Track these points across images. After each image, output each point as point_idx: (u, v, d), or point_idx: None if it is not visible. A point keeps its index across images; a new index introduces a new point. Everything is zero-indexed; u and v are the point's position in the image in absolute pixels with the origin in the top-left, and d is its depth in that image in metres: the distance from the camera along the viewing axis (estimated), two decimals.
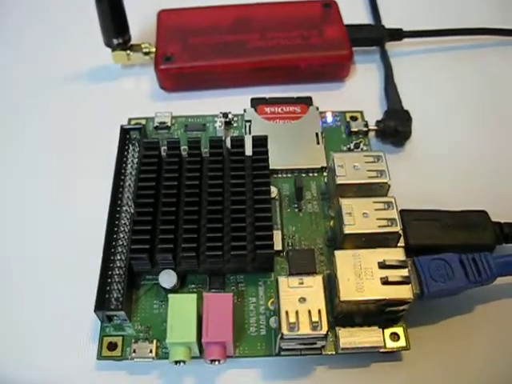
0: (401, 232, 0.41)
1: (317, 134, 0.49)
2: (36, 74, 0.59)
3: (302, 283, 0.38)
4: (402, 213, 0.42)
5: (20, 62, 0.60)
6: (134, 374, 0.41)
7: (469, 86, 0.57)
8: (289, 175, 0.48)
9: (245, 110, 0.51)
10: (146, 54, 0.56)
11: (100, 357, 0.40)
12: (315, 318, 0.36)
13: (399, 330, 0.40)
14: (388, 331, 0.40)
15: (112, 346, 0.40)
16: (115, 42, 0.55)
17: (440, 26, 0.59)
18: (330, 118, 0.51)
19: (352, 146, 0.49)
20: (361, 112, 0.52)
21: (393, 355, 0.41)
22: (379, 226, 0.40)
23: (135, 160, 0.47)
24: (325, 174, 0.47)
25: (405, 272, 0.38)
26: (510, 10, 0.63)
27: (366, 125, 0.50)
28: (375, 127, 0.51)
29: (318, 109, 0.51)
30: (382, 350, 0.39)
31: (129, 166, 0.47)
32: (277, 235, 0.43)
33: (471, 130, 0.53)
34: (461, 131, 0.53)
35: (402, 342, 0.39)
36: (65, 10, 0.64)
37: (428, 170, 0.50)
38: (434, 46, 0.60)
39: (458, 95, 0.56)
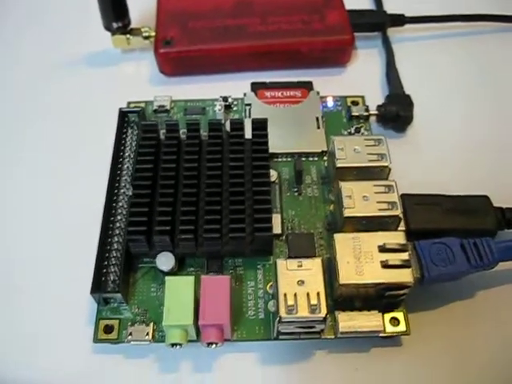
0: (401, 216, 0.40)
1: (317, 119, 0.49)
2: (35, 57, 0.59)
3: (300, 266, 0.38)
4: (403, 197, 0.42)
5: (19, 47, 0.60)
6: (131, 357, 0.40)
7: (470, 71, 0.57)
8: (289, 159, 0.47)
9: (245, 94, 0.51)
10: (146, 38, 0.56)
11: (96, 340, 0.39)
12: (314, 301, 0.36)
13: (399, 315, 0.39)
14: (388, 316, 0.39)
15: (108, 329, 0.39)
16: (115, 25, 0.54)
17: (442, 12, 0.58)
18: (330, 103, 0.51)
19: (353, 130, 0.49)
20: (362, 97, 0.52)
21: (393, 340, 0.40)
22: (379, 210, 0.40)
23: (134, 143, 0.47)
24: (325, 158, 0.47)
25: (405, 256, 0.38)
26: None
27: (367, 109, 0.50)
28: (376, 112, 0.50)
29: (318, 93, 0.51)
30: (381, 335, 0.39)
31: (127, 148, 0.47)
32: (276, 219, 0.43)
33: (473, 115, 0.53)
34: (462, 117, 0.53)
35: (401, 327, 0.39)
36: None
37: (429, 156, 0.50)
38: (435, 32, 0.60)
39: (459, 81, 0.56)
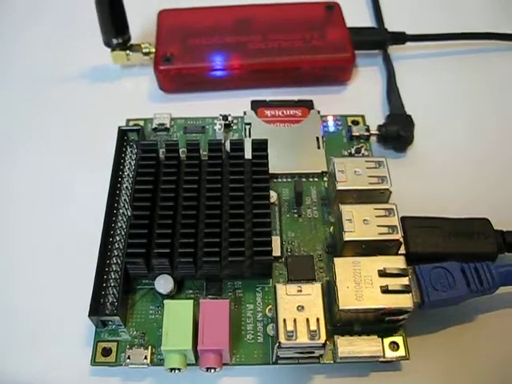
0: (401, 239, 0.40)
1: (317, 138, 0.49)
2: (35, 73, 0.58)
3: (300, 291, 0.37)
4: (403, 219, 0.42)
5: (19, 61, 0.60)
6: (129, 380, 0.40)
7: (472, 90, 0.56)
8: (289, 180, 0.47)
9: (245, 113, 0.50)
10: (146, 54, 0.56)
11: (94, 363, 0.39)
12: (313, 327, 0.36)
13: (399, 339, 0.39)
14: (387, 340, 0.39)
15: (106, 352, 0.39)
16: (115, 41, 0.54)
17: (443, 30, 0.58)
18: (331, 122, 0.51)
19: (353, 150, 0.49)
20: (362, 116, 0.51)
21: (392, 365, 0.40)
22: (380, 234, 0.40)
23: (133, 162, 0.47)
24: (325, 178, 0.47)
25: (405, 280, 0.38)
26: None
27: (368, 129, 0.50)
28: (377, 132, 0.50)
29: (319, 112, 0.51)
30: (381, 360, 0.38)
31: (126, 168, 0.47)
32: (276, 241, 0.43)
33: (474, 135, 0.53)
34: (464, 137, 0.53)
35: (401, 352, 0.39)
36: (64, 9, 0.64)
37: (430, 176, 0.50)
38: (437, 50, 0.59)
39: (461, 100, 0.56)
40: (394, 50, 0.58)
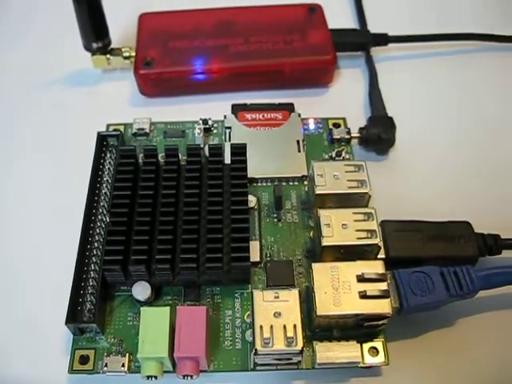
0: (380, 244, 0.40)
1: (298, 142, 0.49)
2: (15, 78, 0.58)
3: (277, 297, 0.37)
4: (383, 223, 0.42)
5: None
6: None
7: (454, 91, 0.56)
8: (269, 184, 0.47)
9: (225, 117, 0.50)
10: (127, 58, 0.55)
11: (71, 371, 0.39)
12: (290, 334, 0.36)
13: (378, 345, 0.39)
14: (367, 346, 0.39)
15: (84, 360, 0.39)
16: (95, 45, 0.54)
17: (426, 31, 0.58)
18: (312, 125, 0.51)
19: (334, 153, 0.49)
20: (343, 119, 0.51)
21: (372, 370, 0.40)
22: (358, 238, 0.40)
23: (112, 168, 0.47)
24: (305, 182, 0.47)
25: (384, 286, 0.38)
26: (496, 14, 0.63)
27: (349, 132, 0.50)
28: (358, 134, 0.50)
29: (299, 115, 0.51)
30: (360, 365, 0.38)
31: (105, 173, 0.46)
32: (255, 246, 0.43)
33: (456, 138, 0.53)
34: (446, 139, 0.53)
35: (380, 358, 0.39)
36: (44, 12, 0.64)
37: (412, 179, 0.50)
38: (419, 52, 0.60)
39: (443, 101, 0.56)
40: (376, 52, 0.58)
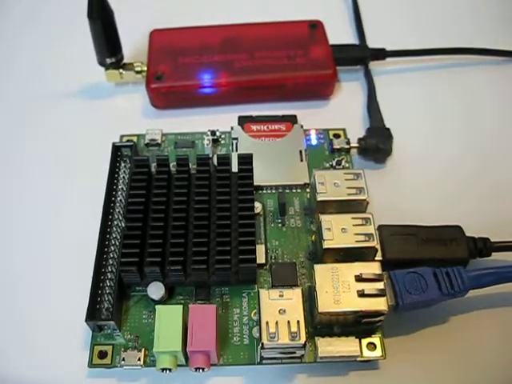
0: (377, 247, 0.42)
1: (300, 152, 0.51)
2: (30, 92, 0.60)
3: (282, 295, 0.40)
4: (380, 228, 0.44)
5: (13, 80, 0.62)
6: (124, 380, 0.42)
7: (450, 104, 0.58)
8: (273, 191, 0.49)
9: (232, 128, 0.53)
10: (138, 72, 0.58)
11: (91, 365, 0.41)
12: (294, 329, 0.38)
13: (376, 340, 0.41)
14: (365, 341, 0.41)
15: (102, 355, 0.41)
16: (108, 61, 0.56)
17: (422, 46, 0.60)
18: (313, 136, 0.53)
19: (334, 163, 0.51)
20: (343, 129, 0.54)
21: (370, 364, 0.42)
22: (356, 241, 0.42)
23: (126, 176, 0.49)
24: (308, 190, 0.49)
25: (380, 285, 0.40)
26: (493, 29, 0.65)
27: (348, 142, 0.52)
28: (357, 144, 0.52)
29: (302, 127, 0.53)
30: (359, 359, 0.40)
31: (120, 181, 0.49)
32: (260, 249, 0.45)
33: (451, 148, 0.55)
34: (441, 150, 0.54)
35: (378, 352, 0.41)
36: (58, 29, 0.66)
37: (408, 186, 0.52)
38: (416, 65, 0.62)
39: (438, 113, 0.58)
40: (374, 66, 0.60)
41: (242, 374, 0.42)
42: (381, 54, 0.60)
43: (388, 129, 0.54)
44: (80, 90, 0.60)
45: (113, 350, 0.42)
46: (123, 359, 0.41)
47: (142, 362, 0.41)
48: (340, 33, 0.63)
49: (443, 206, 0.50)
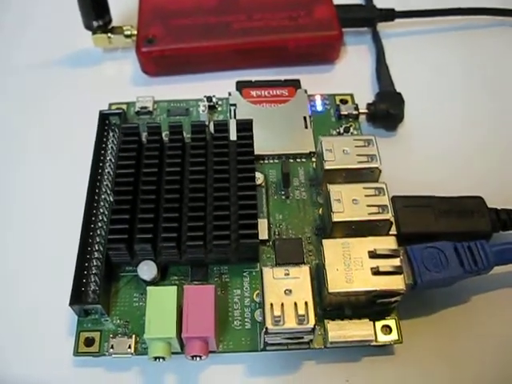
0: (392, 219, 0.39)
1: (305, 118, 0.48)
2: (15, 58, 0.58)
3: (287, 274, 0.36)
4: (394, 199, 0.41)
5: None
6: (113, 370, 0.39)
7: (464, 67, 0.56)
8: (276, 161, 0.46)
9: (229, 94, 0.49)
10: (128, 36, 0.55)
11: (76, 353, 0.38)
12: (301, 311, 0.35)
13: (391, 323, 0.38)
14: (379, 324, 0.38)
15: (89, 342, 0.38)
16: (95, 24, 0.53)
17: (433, 6, 0.57)
18: (318, 101, 0.50)
19: (342, 130, 0.48)
20: (351, 95, 0.51)
21: (385, 349, 0.40)
22: (369, 214, 0.39)
23: (115, 147, 0.46)
24: (313, 159, 0.46)
25: (396, 262, 0.37)
26: None
27: (357, 108, 0.49)
28: (366, 110, 0.49)
29: (306, 92, 0.50)
30: (373, 344, 0.37)
31: (108, 152, 0.46)
32: (262, 224, 0.42)
33: (466, 113, 0.52)
34: (456, 114, 0.52)
35: (394, 335, 0.38)
36: None
37: (421, 155, 0.49)
38: (427, 27, 0.59)
39: (451, 77, 0.55)
40: (383, 28, 0.58)
41: (244, 362, 0.39)
42: (389, 14, 0.57)
43: (399, 93, 0.51)
44: (66, 57, 0.57)
45: (100, 336, 0.39)
46: (112, 347, 0.38)
47: (132, 350, 0.38)
48: None
49: (460, 175, 0.47)
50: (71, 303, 0.38)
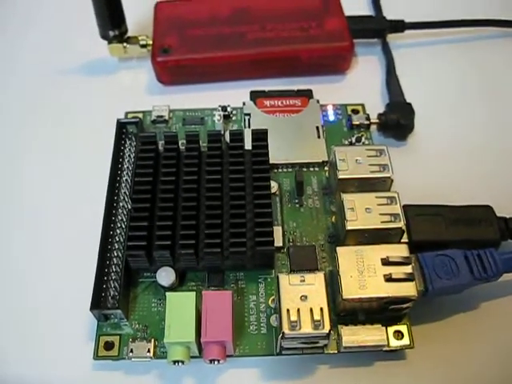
0: (404, 228, 0.40)
1: (317, 128, 0.49)
2: (32, 68, 0.58)
3: (303, 280, 0.37)
4: (405, 208, 0.42)
5: (15, 56, 0.59)
6: (132, 374, 0.40)
7: (472, 78, 0.56)
8: (289, 170, 0.47)
9: (244, 103, 0.50)
10: (143, 46, 0.55)
11: (96, 357, 0.39)
12: (317, 317, 0.36)
13: (403, 328, 0.39)
14: (391, 329, 0.39)
15: (109, 346, 0.39)
16: (111, 34, 0.54)
17: (443, 18, 0.58)
18: (330, 111, 0.50)
19: (353, 139, 0.48)
20: (362, 105, 0.51)
21: (396, 354, 0.40)
22: (382, 222, 0.39)
23: (132, 155, 0.46)
24: (326, 168, 0.47)
25: (408, 269, 0.37)
26: None
27: (368, 118, 0.49)
28: (377, 120, 0.50)
29: (318, 102, 0.50)
30: (385, 349, 0.38)
31: (126, 160, 0.46)
32: (277, 231, 0.42)
33: (475, 122, 0.52)
34: (464, 124, 0.52)
35: (405, 341, 0.39)
36: (59, 2, 0.64)
37: (431, 164, 0.49)
38: (436, 38, 0.59)
39: (460, 87, 0.55)
40: (392, 39, 0.58)
41: (260, 366, 0.40)
42: (399, 25, 0.57)
43: (409, 104, 0.51)
44: (82, 66, 0.57)
45: (120, 340, 0.39)
46: (131, 351, 0.38)
47: (151, 354, 0.38)
48: (355, 4, 0.60)
49: (471, 184, 0.48)
50: (91, 308, 0.38)
